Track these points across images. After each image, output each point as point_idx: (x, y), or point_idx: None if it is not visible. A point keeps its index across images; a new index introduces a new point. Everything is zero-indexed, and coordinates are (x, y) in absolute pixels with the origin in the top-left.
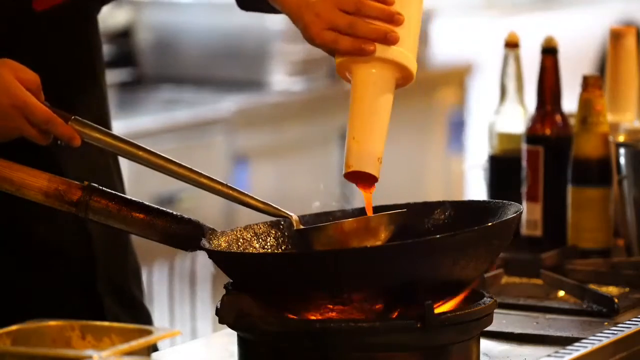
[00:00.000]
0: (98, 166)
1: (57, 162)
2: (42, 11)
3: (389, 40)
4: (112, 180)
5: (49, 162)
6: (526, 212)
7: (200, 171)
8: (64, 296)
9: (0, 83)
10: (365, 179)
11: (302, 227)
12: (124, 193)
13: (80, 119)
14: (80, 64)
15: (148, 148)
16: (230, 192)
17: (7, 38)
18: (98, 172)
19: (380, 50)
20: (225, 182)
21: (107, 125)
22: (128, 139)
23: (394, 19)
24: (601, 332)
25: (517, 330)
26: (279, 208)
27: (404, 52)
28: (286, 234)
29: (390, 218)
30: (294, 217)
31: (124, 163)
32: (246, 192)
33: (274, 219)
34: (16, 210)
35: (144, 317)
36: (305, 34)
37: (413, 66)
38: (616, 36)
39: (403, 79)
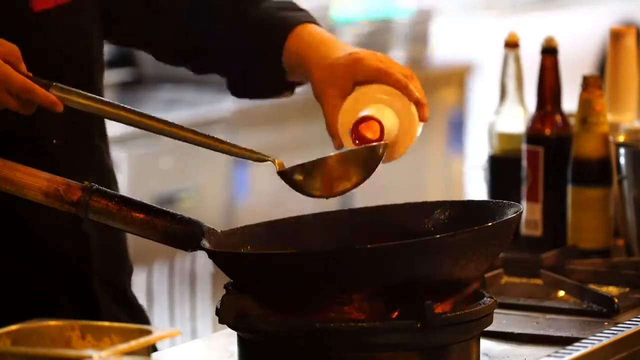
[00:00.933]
0: (93, 167)
1: (53, 162)
2: (40, 12)
3: (425, 115)
4: (108, 182)
5: (45, 162)
6: (526, 212)
7: (182, 125)
8: (61, 296)
9: None
10: (369, 129)
11: (285, 168)
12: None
13: (61, 85)
14: (77, 63)
15: (130, 107)
16: (211, 141)
17: (6, 39)
18: (94, 174)
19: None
20: (207, 134)
21: (104, 124)
22: (110, 101)
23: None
24: (601, 332)
25: (517, 330)
26: (262, 153)
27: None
28: (286, 233)
29: (369, 150)
30: (277, 160)
31: (123, 165)
32: (226, 141)
33: (272, 219)
34: (11, 211)
35: (142, 316)
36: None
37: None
38: (616, 36)
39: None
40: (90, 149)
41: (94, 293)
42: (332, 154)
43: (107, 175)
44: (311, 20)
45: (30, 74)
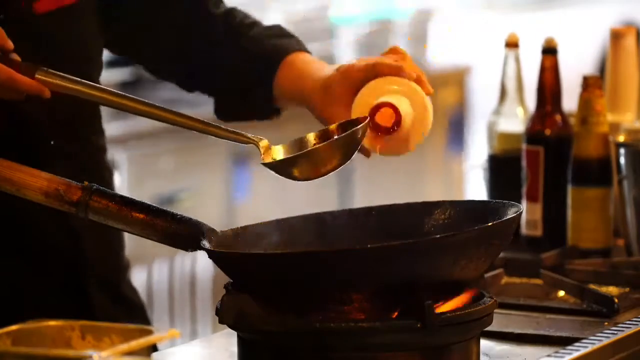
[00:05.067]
0: (91, 168)
1: (50, 163)
2: (43, 14)
3: (428, 88)
4: (106, 183)
5: (42, 164)
6: (526, 212)
7: (164, 107)
8: (56, 296)
9: None
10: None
11: (268, 157)
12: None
13: (46, 69)
14: (76, 64)
15: (115, 91)
16: (195, 123)
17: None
18: (92, 174)
19: None
20: (190, 115)
21: (101, 123)
22: (95, 84)
23: None
24: (601, 332)
25: (517, 330)
26: (246, 134)
27: None
28: (286, 234)
29: (351, 135)
30: (263, 142)
31: (123, 165)
32: (211, 122)
33: (271, 218)
34: (5, 212)
35: (138, 313)
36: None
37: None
38: (616, 36)
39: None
40: (87, 149)
41: (89, 292)
42: (317, 145)
43: (105, 176)
44: (301, 48)
45: (19, 59)
